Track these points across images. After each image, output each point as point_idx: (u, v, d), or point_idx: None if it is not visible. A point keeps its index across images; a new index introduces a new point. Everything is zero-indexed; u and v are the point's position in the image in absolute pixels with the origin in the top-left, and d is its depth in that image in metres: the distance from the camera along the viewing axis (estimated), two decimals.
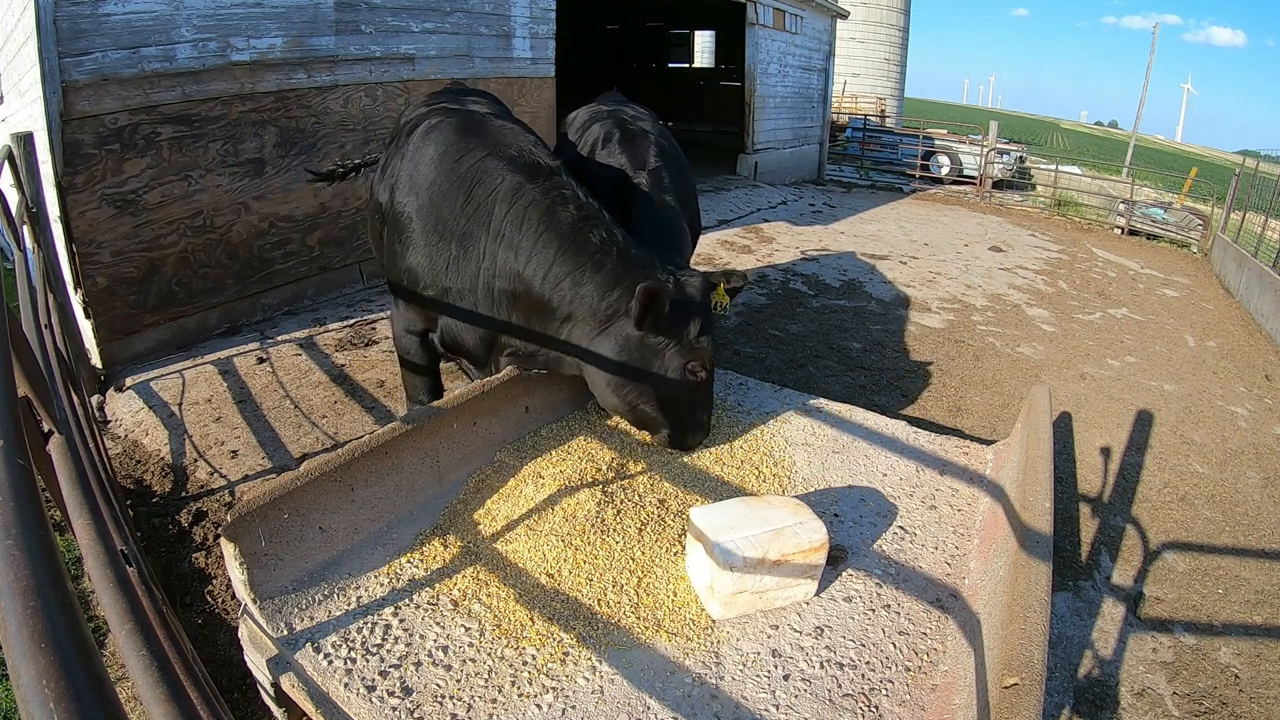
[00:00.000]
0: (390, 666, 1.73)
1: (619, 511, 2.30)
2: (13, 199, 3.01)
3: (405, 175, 2.82)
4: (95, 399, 3.80)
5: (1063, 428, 4.24)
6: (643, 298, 2.39)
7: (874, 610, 2.02)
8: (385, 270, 3.12)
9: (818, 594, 2.05)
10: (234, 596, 2.48)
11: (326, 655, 1.75)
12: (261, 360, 4.27)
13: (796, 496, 2.48)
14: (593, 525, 2.22)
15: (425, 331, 2.94)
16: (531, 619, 1.90)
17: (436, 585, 2.00)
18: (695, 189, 3.80)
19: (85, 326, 4.02)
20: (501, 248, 2.62)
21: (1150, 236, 11.05)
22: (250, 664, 1.83)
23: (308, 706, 1.66)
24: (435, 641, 1.82)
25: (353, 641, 1.79)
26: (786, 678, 1.78)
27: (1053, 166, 16.35)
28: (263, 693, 1.87)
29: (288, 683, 1.70)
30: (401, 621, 1.87)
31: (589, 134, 3.57)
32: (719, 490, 2.53)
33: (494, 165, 2.69)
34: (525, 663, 1.77)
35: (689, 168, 3.72)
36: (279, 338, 4.63)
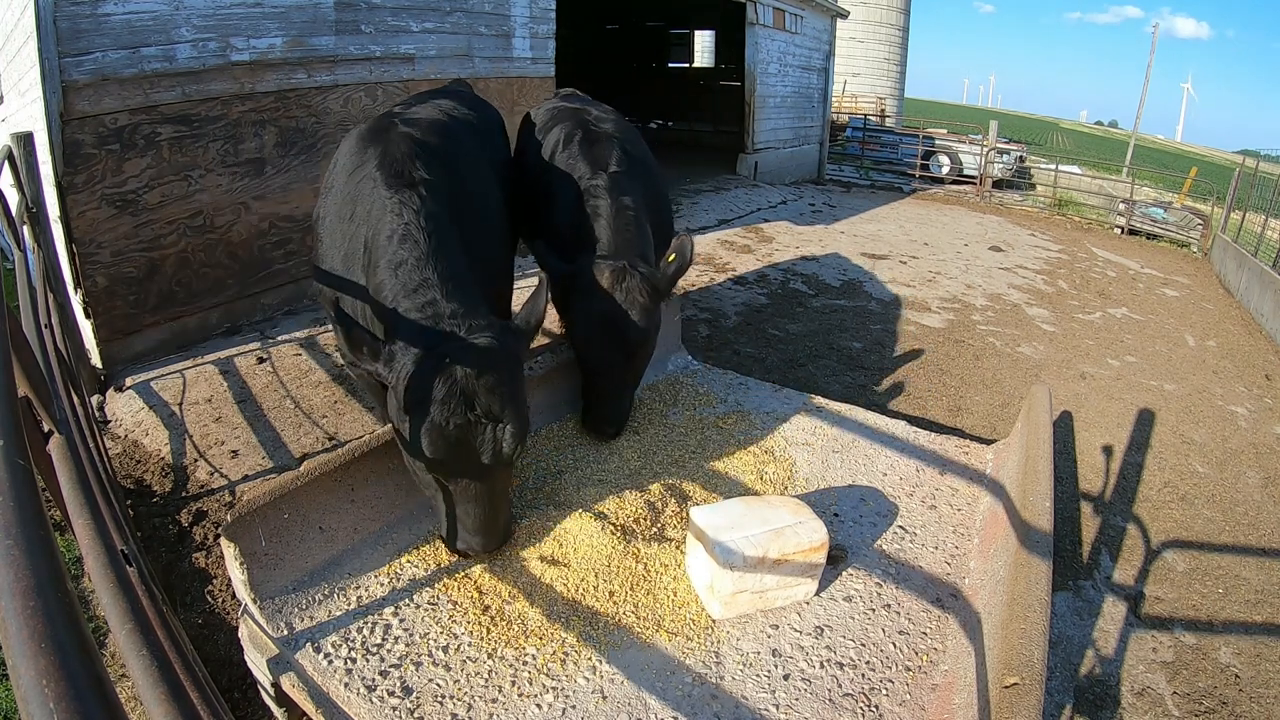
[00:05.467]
0: (390, 666, 1.73)
1: (619, 511, 2.30)
2: (13, 199, 3.01)
3: None
4: (95, 399, 3.80)
5: (1063, 427, 4.24)
6: None
7: (874, 610, 2.02)
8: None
9: (818, 594, 2.05)
10: (234, 596, 2.48)
11: (327, 655, 1.75)
12: (262, 360, 4.27)
13: (796, 496, 2.48)
14: (593, 525, 2.22)
15: None
16: (532, 619, 1.90)
17: (436, 585, 2.00)
18: (665, 190, 3.58)
19: (85, 326, 4.02)
20: None
21: (1150, 236, 11.04)
22: (250, 664, 1.83)
23: (308, 706, 1.66)
24: (435, 641, 1.82)
25: (353, 641, 1.80)
26: (786, 677, 1.78)
27: (1053, 166, 16.34)
28: (263, 693, 1.87)
29: (288, 683, 1.70)
30: (401, 621, 1.87)
31: (549, 136, 3.37)
32: (719, 490, 2.53)
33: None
34: (525, 663, 1.77)
35: (657, 168, 3.53)
36: (279, 337, 4.63)
